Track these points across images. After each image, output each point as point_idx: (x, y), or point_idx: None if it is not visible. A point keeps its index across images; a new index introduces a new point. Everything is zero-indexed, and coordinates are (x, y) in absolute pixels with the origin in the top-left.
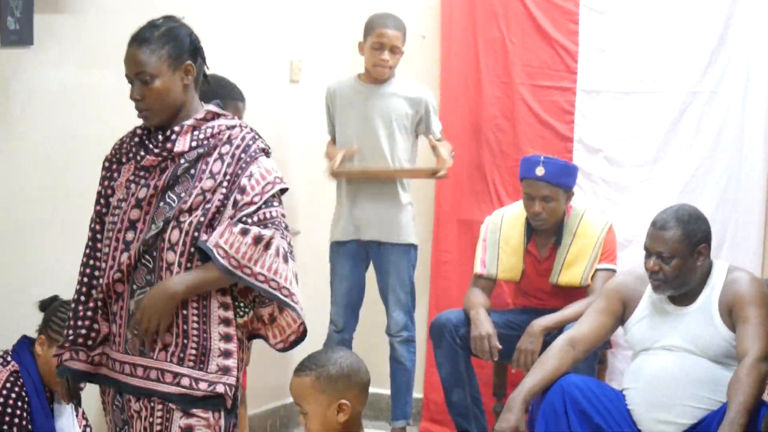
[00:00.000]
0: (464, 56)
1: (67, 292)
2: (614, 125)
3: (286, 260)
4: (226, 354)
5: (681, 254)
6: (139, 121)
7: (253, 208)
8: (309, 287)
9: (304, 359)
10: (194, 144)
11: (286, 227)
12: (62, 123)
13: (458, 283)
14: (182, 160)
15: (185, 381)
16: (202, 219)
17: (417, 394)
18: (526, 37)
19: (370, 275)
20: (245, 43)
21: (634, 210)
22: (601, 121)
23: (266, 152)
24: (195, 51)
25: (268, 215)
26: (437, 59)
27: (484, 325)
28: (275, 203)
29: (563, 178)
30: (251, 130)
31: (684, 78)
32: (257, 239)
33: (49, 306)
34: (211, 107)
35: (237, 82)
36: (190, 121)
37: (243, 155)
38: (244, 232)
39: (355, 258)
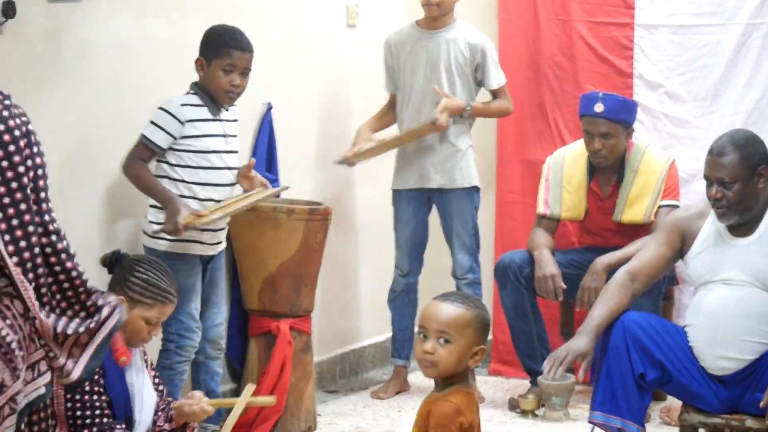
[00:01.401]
0: None
1: (125, 248)
2: (674, 60)
3: None
4: None
5: (742, 178)
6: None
7: None
8: (373, 233)
9: (454, 293)
10: None
11: None
12: (115, 75)
13: (523, 224)
14: None
15: None
16: None
17: None
18: None
19: (434, 219)
20: None
21: (696, 144)
22: (661, 56)
23: None
24: None
25: None
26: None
27: (548, 266)
28: None
29: (622, 114)
30: None
31: (743, 10)
32: None
33: (115, 263)
34: None
35: (294, 28)
36: None
37: None
38: None
39: (418, 202)
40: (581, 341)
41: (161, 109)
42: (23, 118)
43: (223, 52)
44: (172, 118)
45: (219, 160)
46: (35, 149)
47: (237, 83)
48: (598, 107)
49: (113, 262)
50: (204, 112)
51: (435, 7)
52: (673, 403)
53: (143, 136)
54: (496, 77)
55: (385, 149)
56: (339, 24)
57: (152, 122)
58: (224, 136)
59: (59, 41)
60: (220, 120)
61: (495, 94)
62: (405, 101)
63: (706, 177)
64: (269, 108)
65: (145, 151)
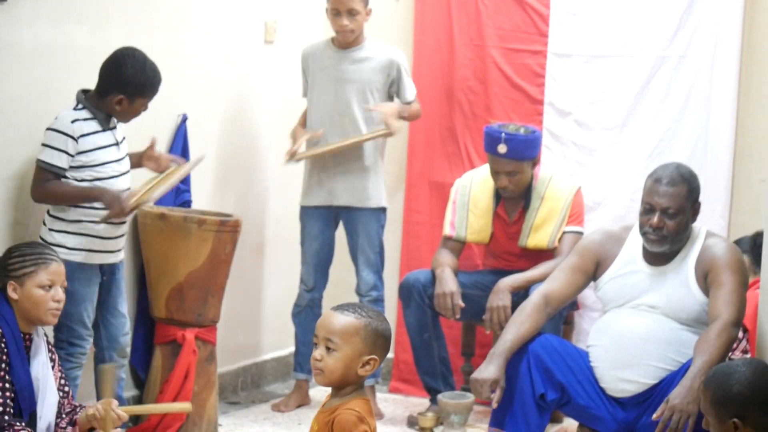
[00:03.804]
0: (437, 18)
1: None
2: (584, 88)
3: None
4: None
5: (684, 211)
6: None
7: None
8: (280, 247)
9: (351, 304)
10: None
11: None
12: (36, 79)
13: (429, 244)
14: None
15: None
16: None
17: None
18: None
19: (340, 235)
20: (220, 2)
21: (602, 173)
22: (572, 84)
23: None
24: None
25: None
26: (411, 21)
27: (447, 283)
28: None
29: (526, 152)
30: None
31: (653, 42)
32: None
33: None
34: None
35: (212, 41)
36: None
37: None
38: None
39: (325, 219)
40: (490, 368)
41: (52, 130)
42: None
43: (149, 92)
44: (66, 137)
45: (113, 169)
46: None
47: (145, 109)
48: (502, 148)
49: None
50: (94, 125)
51: (350, 33)
52: (569, 424)
53: (42, 162)
54: (411, 89)
55: (330, 152)
56: (257, 39)
57: (46, 145)
58: (117, 144)
59: None
60: (111, 128)
61: (408, 103)
62: (313, 115)
63: (647, 203)
64: (184, 119)
65: (48, 175)
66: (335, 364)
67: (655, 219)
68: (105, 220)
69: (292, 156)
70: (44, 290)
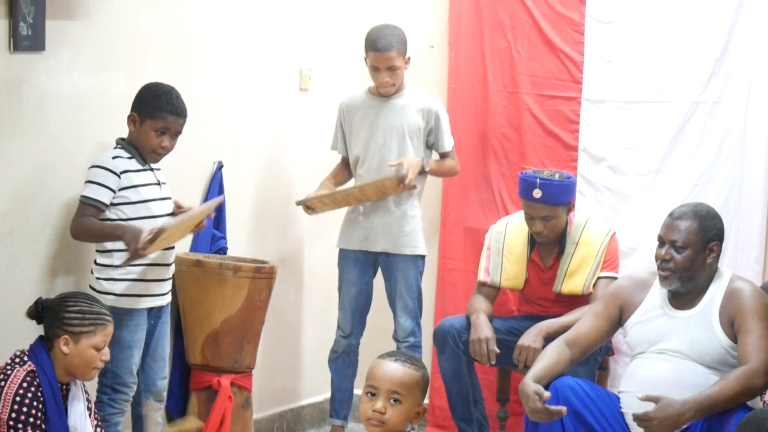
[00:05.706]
0: (471, 66)
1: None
2: (618, 134)
3: None
4: None
5: (694, 246)
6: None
7: None
8: (316, 293)
9: (403, 353)
10: None
11: None
12: (73, 126)
13: (464, 291)
14: None
15: None
16: None
17: None
18: (532, 47)
19: (378, 281)
20: (256, 51)
21: (637, 219)
22: (606, 130)
23: None
24: None
25: None
26: (445, 69)
27: (483, 329)
28: None
29: (561, 197)
30: None
31: (687, 88)
32: None
33: (43, 310)
34: None
35: (247, 89)
36: None
37: None
38: None
39: (364, 264)
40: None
41: (95, 166)
42: None
43: (158, 116)
44: (108, 172)
45: (157, 207)
46: None
47: (166, 145)
48: (537, 193)
49: (41, 310)
50: (134, 164)
51: (391, 87)
52: None
53: (85, 197)
54: (449, 140)
55: (345, 201)
56: (292, 87)
57: (90, 181)
58: (158, 183)
59: (19, 91)
60: (151, 169)
61: (445, 155)
62: (362, 165)
63: (659, 238)
64: (220, 166)
65: (89, 210)
66: (398, 417)
67: (663, 251)
68: (126, 264)
69: (303, 202)
70: (96, 351)
